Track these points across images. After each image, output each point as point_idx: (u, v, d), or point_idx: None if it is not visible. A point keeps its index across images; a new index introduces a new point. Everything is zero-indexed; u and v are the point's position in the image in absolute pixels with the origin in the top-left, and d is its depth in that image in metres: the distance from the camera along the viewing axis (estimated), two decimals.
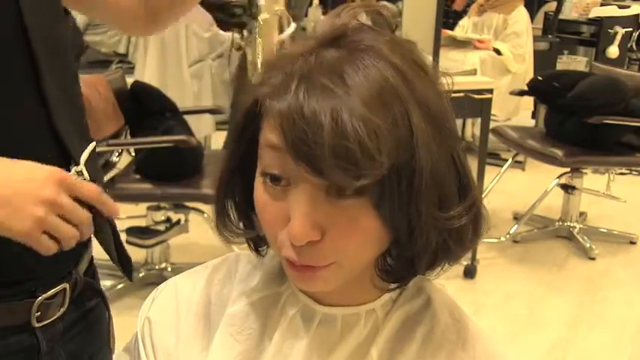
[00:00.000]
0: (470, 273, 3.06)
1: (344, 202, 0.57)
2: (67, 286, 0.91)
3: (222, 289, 0.73)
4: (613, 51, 5.20)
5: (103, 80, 2.67)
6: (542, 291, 3.02)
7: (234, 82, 3.88)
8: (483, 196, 3.29)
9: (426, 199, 0.58)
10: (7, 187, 0.76)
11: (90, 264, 1.00)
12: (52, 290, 0.89)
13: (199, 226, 2.91)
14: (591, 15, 5.84)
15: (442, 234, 0.60)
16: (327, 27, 0.61)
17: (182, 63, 3.64)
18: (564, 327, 2.74)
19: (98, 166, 1.00)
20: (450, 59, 3.94)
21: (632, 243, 3.52)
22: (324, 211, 0.58)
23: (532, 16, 5.06)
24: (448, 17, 5.21)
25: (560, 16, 5.78)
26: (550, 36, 5.39)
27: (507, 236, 3.43)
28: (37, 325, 0.88)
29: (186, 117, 2.93)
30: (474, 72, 3.29)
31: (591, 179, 3.91)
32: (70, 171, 0.86)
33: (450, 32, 4.47)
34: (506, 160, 3.75)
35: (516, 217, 3.67)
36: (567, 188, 3.48)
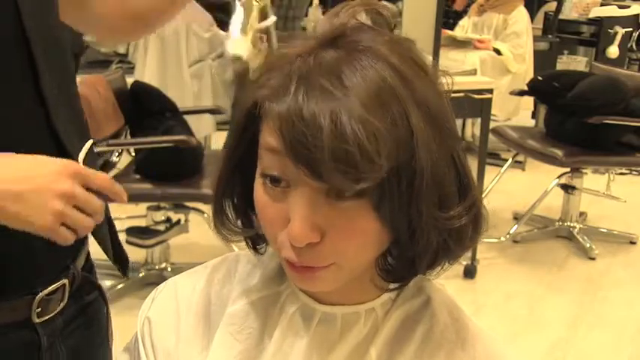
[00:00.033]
0: (470, 273, 3.06)
1: (343, 203, 0.57)
2: (66, 281, 0.92)
3: (222, 289, 0.73)
4: (613, 51, 5.20)
5: (102, 80, 2.67)
6: (542, 291, 3.02)
7: (235, 80, 3.88)
8: (483, 196, 3.29)
9: (427, 200, 0.58)
10: (24, 184, 0.77)
11: (87, 259, 1.00)
12: (52, 286, 0.90)
13: (199, 226, 2.91)
14: (591, 15, 5.84)
15: (442, 234, 0.60)
16: (326, 27, 0.61)
17: (182, 63, 3.64)
18: (564, 327, 2.74)
19: (96, 165, 1.01)
20: (450, 59, 3.94)
21: (632, 243, 3.52)
22: (323, 213, 0.58)
23: (532, 16, 5.06)
24: (448, 17, 5.21)
25: (560, 16, 5.79)
26: (550, 36, 5.39)
27: (507, 236, 3.43)
28: (37, 320, 0.89)
29: (186, 117, 2.93)
30: (474, 72, 3.29)
31: (591, 179, 3.91)
32: None
33: (450, 32, 4.47)
34: (506, 160, 3.75)
35: (516, 217, 3.67)
36: (567, 188, 3.48)
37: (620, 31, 5.30)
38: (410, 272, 0.65)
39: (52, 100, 0.87)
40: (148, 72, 3.60)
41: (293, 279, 0.64)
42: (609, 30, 5.34)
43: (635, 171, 4.50)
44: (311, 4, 4.83)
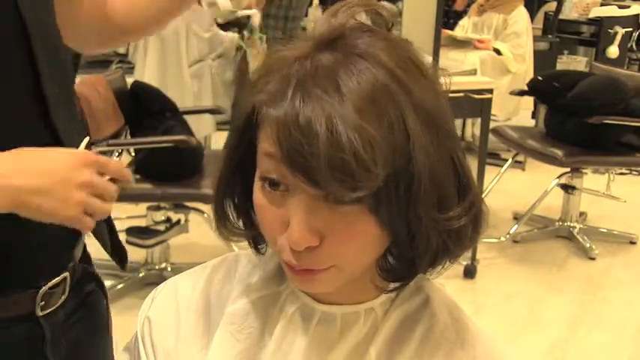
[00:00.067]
0: (470, 273, 3.06)
1: (342, 208, 0.57)
2: (67, 274, 0.93)
3: (222, 289, 0.73)
4: (613, 51, 5.20)
5: (102, 80, 2.67)
6: (542, 291, 3.02)
7: (236, 80, 3.88)
8: (483, 196, 3.29)
9: (425, 203, 0.58)
10: (46, 177, 0.79)
11: (84, 250, 1.02)
12: (54, 280, 0.91)
13: (199, 226, 2.91)
14: (591, 15, 5.84)
15: (442, 235, 0.60)
16: (324, 27, 0.61)
17: (182, 63, 3.64)
18: (564, 327, 2.74)
19: None
20: (450, 59, 3.94)
21: (632, 243, 3.52)
22: (322, 217, 0.58)
23: (532, 16, 5.06)
24: (448, 17, 5.22)
25: (560, 16, 5.79)
26: (550, 36, 5.39)
27: (507, 236, 3.43)
28: (40, 313, 0.90)
29: (186, 117, 2.93)
30: (473, 72, 3.29)
31: (591, 179, 3.91)
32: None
33: (450, 32, 4.47)
34: (506, 160, 3.75)
35: (516, 217, 3.67)
36: (567, 188, 3.48)
37: (620, 31, 5.30)
38: (410, 272, 0.65)
39: (52, 99, 0.87)
40: (147, 72, 3.60)
41: (293, 281, 0.64)
42: (609, 30, 5.34)
43: (635, 171, 4.50)
44: (311, 4, 4.83)
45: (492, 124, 3.37)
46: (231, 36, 3.86)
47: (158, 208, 2.80)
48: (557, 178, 3.48)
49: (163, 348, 0.71)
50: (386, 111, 0.56)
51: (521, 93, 3.73)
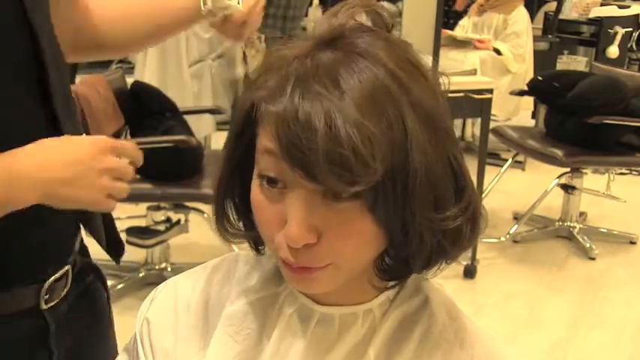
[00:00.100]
0: (470, 273, 3.06)
1: (340, 204, 0.57)
2: (69, 267, 0.95)
3: (221, 289, 0.73)
4: (613, 51, 5.20)
5: (102, 80, 2.67)
6: (542, 291, 3.02)
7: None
8: (483, 196, 3.30)
9: (421, 201, 0.58)
10: (72, 167, 0.83)
11: (81, 241, 1.03)
12: (58, 273, 0.92)
13: (199, 226, 2.91)
14: (591, 15, 5.84)
15: (437, 235, 0.60)
16: (324, 27, 0.61)
17: (182, 63, 3.64)
18: (564, 327, 2.74)
19: None
20: (450, 59, 3.94)
21: (632, 243, 3.52)
22: (320, 214, 0.58)
23: (532, 16, 5.06)
24: (448, 17, 5.21)
25: (560, 16, 5.79)
26: (550, 36, 5.40)
27: (507, 236, 3.43)
28: (44, 307, 0.91)
29: (186, 117, 2.93)
30: (473, 72, 3.29)
31: (591, 179, 3.91)
32: None
33: (450, 32, 4.47)
34: (506, 160, 3.75)
35: (516, 217, 3.67)
36: (567, 188, 3.48)
37: (620, 31, 5.30)
38: (406, 272, 0.65)
39: (58, 98, 0.89)
40: (148, 72, 3.60)
41: (290, 280, 0.64)
42: (609, 30, 5.34)
43: (635, 171, 4.51)
44: (311, 4, 4.83)
45: (492, 124, 3.37)
46: None
47: (158, 208, 2.80)
48: (557, 178, 3.48)
49: (162, 348, 0.71)
50: (385, 109, 0.56)
51: (521, 93, 3.73)
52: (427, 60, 0.63)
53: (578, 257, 3.35)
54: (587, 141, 3.20)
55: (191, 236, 2.95)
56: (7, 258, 0.86)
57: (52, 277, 0.91)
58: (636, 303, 2.97)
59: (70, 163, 0.82)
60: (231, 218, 0.69)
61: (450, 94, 0.63)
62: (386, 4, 4.11)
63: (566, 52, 5.79)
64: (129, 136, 2.82)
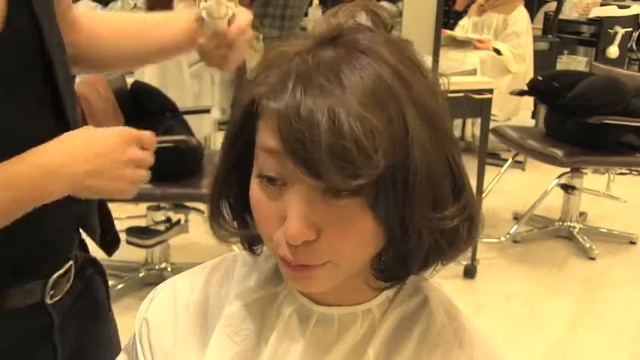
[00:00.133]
0: (470, 273, 3.06)
1: (340, 201, 0.57)
2: (72, 262, 0.97)
3: (220, 290, 0.73)
4: (613, 51, 5.20)
5: (102, 80, 2.67)
6: (542, 291, 3.02)
7: (235, 80, 3.88)
8: (483, 196, 3.30)
9: (420, 199, 0.58)
10: (99, 160, 0.87)
11: (80, 236, 1.04)
12: (62, 268, 0.94)
13: (199, 226, 2.90)
14: (591, 15, 5.84)
15: (434, 234, 0.60)
16: (323, 26, 0.61)
17: (182, 63, 3.64)
18: (564, 327, 2.74)
19: None
20: (450, 59, 3.94)
21: (632, 243, 3.52)
22: (319, 211, 0.58)
23: (532, 16, 5.06)
24: (448, 17, 5.21)
25: (560, 16, 5.79)
26: (550, 36, 5.40)
27: (507, 236, 3.43)
28: (49, 302, 0.93)
29: (186, 117, 2.93)
30: (473, 72, 3.29)
31: (591, 179, 3.91)
32: None
33: (450, 32, 4.47)
34: (506, 160, 3.75)
35: (516, 217, 3.67)
36: (567, 188, 3.48)
37: (620, 31, 5.30)
38: (403, 272, 0.65)
39: (67, 98, 0.91)
40: (147, 72, 3.59)
41: (288, 278, 0.64)
42: (609, 30, 5.34)
43: (635, 171, 4.50)
44: (311, 4, 4.83)
45: (492, 124, 3.37)
46: None
47: (158, 208, 2.80)
48: (557, 178, 3.48)
49: (161, 348, 0.71)
50: (386, 105, 0.56)
51: (521, 93, 3.73)
52: (427, 60, 0.63)
53: (578, 257, 3.35)
54: (587, 141, 3.20)
55: (191, 236, 2.95)
56: (15, 255, 0.88)
57: (57, 273, 0.93)
58: (636, 303, 2.97)
59: (97, 156, 0.87)
60: (227, 218, 0.69)
61: (450, 94, 0.63)
62: (386, 4, 4.11)
63: (566, 52, 5.79)
64: None
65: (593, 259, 3.31)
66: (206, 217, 0.69)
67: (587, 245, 3.36)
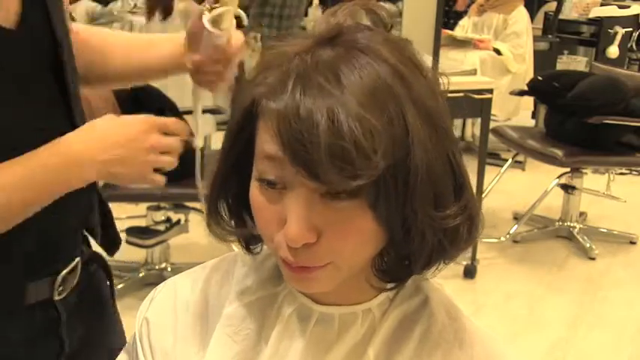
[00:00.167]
0: (470, 273, 3.06)
1: (339, 203, 0.57)
2: (78, 258, 0.99)
3: (220, 290, 0.73)
4: (613, 51, 5.20)
5: None
6: (542, 291, 3.02)
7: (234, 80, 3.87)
8: (483, 196, 3.30)
9: (422, 198, 0.58)
10: (124, 148, 0.90)
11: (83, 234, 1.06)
12: (70, 266, 0.96)
13: (199, 226, 2.89)
14: (591, 15, 5.84)
15: (437, 233, 0.60)
16: (323, 26, 0.61)
17: None
18: (564, 327, 2.74)
19: None
20: (450, 59, 3.94)
21: (632, 243, 3.52)
22: (319, 213, 0.58)
23: (532, 16, 5.06)
24: (448, 17, 5.22)
25: (560, 16, 5.79)
26: (550, 36, 5.40)
27: (507, 236, 3.43)
28: (57, 298, 0.95)
29: (187, 117, 2.93)
30: (473, 72, 3.29)
31: (591, 179, 3.91)
32: None
33: (450, 32, 4.47)
34: (506, 160, 3.75)
35: (516, 217, 3.67)
36: (567, 188, 3.49)
37: (620, 31, 5.30)
38: (405, 272, 0.65)
39: (75, 98, 0.93)
40: None
41: (289, 280, 0.64)
42: (609, 30, 5.34)
43: (635, 171, 4.50)
44: (311, 4, 4.83)
45: (492, 124, 3.37)
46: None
47: (158, 208, 2.80)
48: (557, 178, 3.48)
49: (161, 348, 0.71)
50: (387, 105, 0.56)
51: (521, 93, 3.73)
52: (427, 60, 0.63)
53: (578, 257, 3.35)
54: (587, 141, 3.20)
55: (191, 236, 2.95)
56: (26, 255, 0.90)
57: (65, 270, 0.95)
58: (636, 303, 2.97)
59: (121, 144, 0.90)
60: (224, 216, 0.69)
61: (450, 94, 0.63)
62: (386, 4, 4.10)
63: (566, 52, 5.79)
64: None
65: (593, 259, 3.31)
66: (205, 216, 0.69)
67: (587, 245, 3.36)
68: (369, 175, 0.54)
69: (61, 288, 0.95)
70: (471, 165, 0.64)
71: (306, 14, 4.61)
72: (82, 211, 0.98)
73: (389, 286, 0.67)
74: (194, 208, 2.81)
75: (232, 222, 0.69)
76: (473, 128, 4.88)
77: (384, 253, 0.64)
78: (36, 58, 0.89)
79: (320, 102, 0.54)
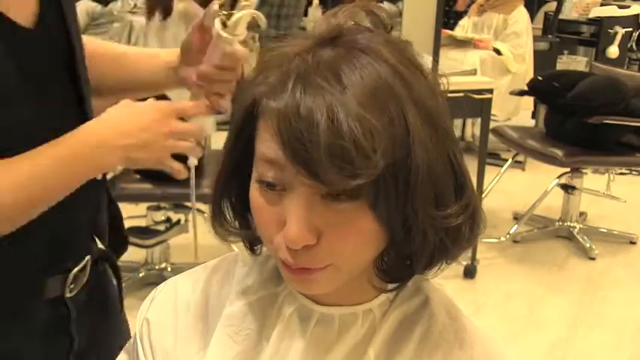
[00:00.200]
0: (470, 273, 3.06)
1: (339, 205, 0.57)
2: (89, 257, 1.00)
3: (221, 290, 0.73)
4: (613, 51, 5.21)
5: None
6: (542, 291, 3.02)
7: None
8: (483, 196, 3.30)
9: (422, 198, 0.58)
10: (144, 133, 0.91)
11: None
12: (81, 264, 0.97)
13: (199, 226, 2.90)
14: (591, 15, 5.84)
15: (439, 233, 0.60)
16: (323, 26, 0.61)
17: None
18: (564, 327, 2.74)
19: None
20: (450, 59, 3.94)
21: (632, 243, 3.52)
22: (319, 215, 0.58)
23: (532, 16, 5.06)
24: (448, 17, 5.22)
25: (560, 16, 5.79)
26: (550, 36, 5.40)
27: (507, 236, 3.43)
28: (68, 295, 0.96)
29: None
30: (473, 72, 3.29)
31: (591, 179, 3.91)
32: None
33: (450, 32, 4.47)
34: (506, 160, 3.75)
35: (516, 217, 3.67)
36: (567, 188, 3.49)
37: (620, 31, 5.30)
38: (407, 272, 0.65)
39: (88, 99, 0.95)
40: None
41: (289, 281, 0.64)
42: (609, 30, 5.34)
43: (635, 171, 4.51)
44: (311, 4, 4.83)
45: (492, 124, 3.37)
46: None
47: (158, 208, 2.80)
48: (557, 178, 3.48)
49: (162, 348, 0.71)
50: (387, 105, 0.56)
51: (521, 93, 3.73)
52: (427, 60, 0.63)
53: (578, 257, 3.35)
54: (587, 141, 3.20)
55: (191, 236, 2.94)
56: (39, 254, 0.91)
57: (76, 268, 0.96)
58: (636, 303, 2.97)
59: (141, 130, 0.91)
60: (228, 218, 0.69)
61: (450, 94, 0.63)
62: (386, 5, 4.11)
63: (566, 52, 5.79)
64: None
65: (593, 259, 3.31)
66: (206, 217, 0.70)
67: (587, 245, 3.36)
68: (369, 174, 0.54)
69: (72, 285, 0.96)
70: (471, 165, 0.64)
71: (305, 14, 4.61)
72: (92, 209, 1.00)
73: (390, 286, 0.67)
74: None
75: (236, 223, 0.69)
76: (473, 128, 4.88)
77: (385, 254, 0.64)
78: (52, 58, 0.90)
79: (320, 101, 0.54)
